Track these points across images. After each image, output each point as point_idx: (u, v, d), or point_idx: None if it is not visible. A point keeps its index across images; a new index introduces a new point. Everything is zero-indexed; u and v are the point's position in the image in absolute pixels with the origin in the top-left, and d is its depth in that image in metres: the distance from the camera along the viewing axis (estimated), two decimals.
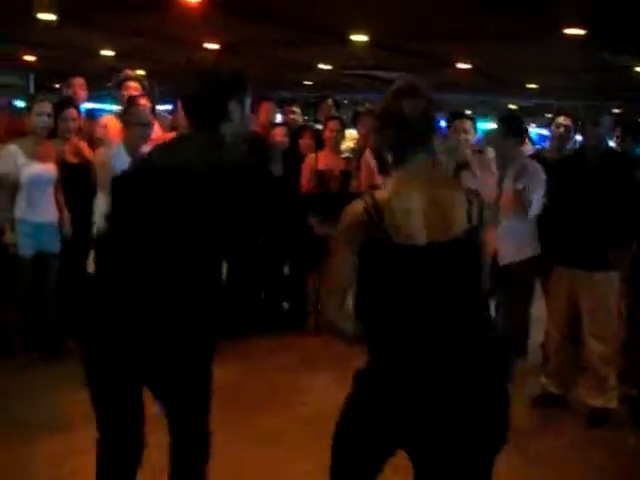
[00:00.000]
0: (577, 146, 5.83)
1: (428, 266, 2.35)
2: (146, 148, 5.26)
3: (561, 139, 6.00)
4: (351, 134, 7.49)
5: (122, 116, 5.41)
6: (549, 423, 4.99)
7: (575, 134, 6.08)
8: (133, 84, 6.18)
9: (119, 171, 4.82)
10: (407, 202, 2.35)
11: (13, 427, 4.39)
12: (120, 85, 6.18)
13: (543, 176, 5.08)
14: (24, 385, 5.03)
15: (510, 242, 5.06)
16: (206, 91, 2.69)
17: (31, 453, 4.10)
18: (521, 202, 5.00)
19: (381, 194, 2.38)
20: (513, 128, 5.19)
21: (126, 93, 5.99)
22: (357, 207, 2.38)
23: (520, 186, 4.98)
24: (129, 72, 6.59)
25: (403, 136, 2.44)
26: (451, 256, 2.37)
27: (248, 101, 2.79)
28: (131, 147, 5.03)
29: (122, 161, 4.94)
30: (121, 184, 2.79)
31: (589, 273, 4.86)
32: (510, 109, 6.32)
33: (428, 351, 2.33)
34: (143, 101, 5.74)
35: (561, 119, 6.00)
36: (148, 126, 5.16)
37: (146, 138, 5.07)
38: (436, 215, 2.36)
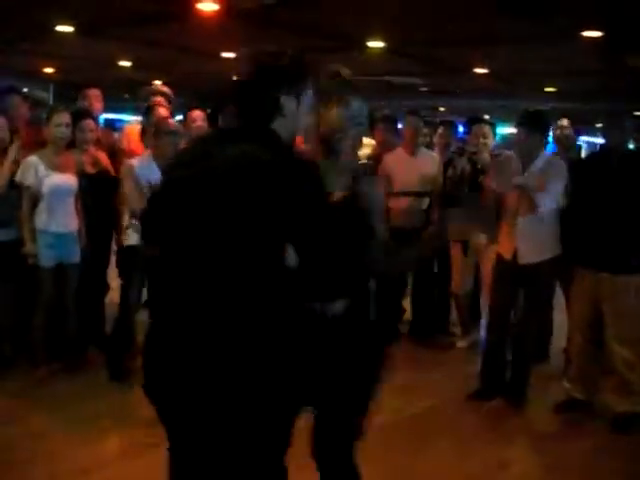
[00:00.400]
0: (578, 150, 5.93)
1: None
2: None
3: (559, 141, 6.11)
4: (368, 140, 7.47)
5: (150, 126, 5.44)
6: (573, 428, 4.95)
7: (577, 136, 6.17)
8: (160, 98, 6.24)
9: (147, 182, 4.95)
10: None
11: (36, 439, 4.40)
12: (148, 98, 6.23)
13: (564, 174, 5.01)
14: (46, 396, 5.04)
15: (531, 242, 5.03)
16: (255, 77, 2.38)
17: (54, 466, 4.07)
18: (526, 200, 4.92)
19: None
20: (538, 126, 5.09)
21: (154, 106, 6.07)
22: None
23: (520, 181, 4.92)
24: (157, 86, 6.64)
25: None
26: None
27: (308, 98, 2.46)
28: (162, 157, 5.08)
29: (152, 171, 5.00)
30: (150, 202, 2.55)
31: (613, 276, 4.82)
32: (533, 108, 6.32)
33: None
34: (162, 111, 5.81)
35: (563, 122, 6.16)
36: (177, 134, 5.22)
37: (177, 146, 5.09)
38: None
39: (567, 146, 6.19)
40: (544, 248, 5.07)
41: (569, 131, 6.17)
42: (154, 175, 4.87)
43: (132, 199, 5.12)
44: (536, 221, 4.97)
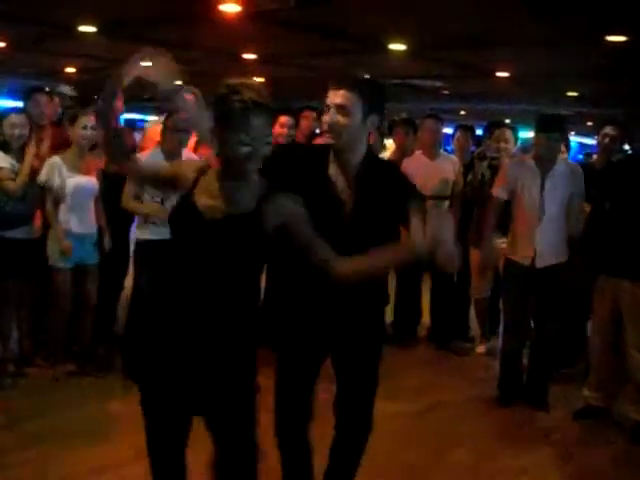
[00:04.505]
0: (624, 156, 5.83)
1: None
2: (186, 153, 5.36)
3: (607, 149, 5.93)
4: (390, 143, 7.44)
5: (164, 121, 5.42)
6: (592, 435, 4.92)
7: (623, 144, 6.03)
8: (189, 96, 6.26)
9: None
10: None
11: (51, 438, 4.41)
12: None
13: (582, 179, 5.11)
14: (63, 395, 5.08)
15: (548, 246, 5.07)
16: None
17: (70, 465, 4.08)
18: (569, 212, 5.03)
19: None
20: (558, 130, 5.10)
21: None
22: None
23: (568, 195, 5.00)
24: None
25: None
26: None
27: None
28: (169, 152, 5.20)
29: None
30: None
31: (632, 283, 4.79)
32: (551, 113, 6.17)
33: None
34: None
35: (608, 129, 5.92)
36: (186, 132, 5.30)
37: (184, 144, 5.33)
38: None
39: (607, 154, 6.05)
40: (559, 251, 5.12)
41: (610, 139, 6.03)
42: None
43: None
44: (554, 225, 5.04)
